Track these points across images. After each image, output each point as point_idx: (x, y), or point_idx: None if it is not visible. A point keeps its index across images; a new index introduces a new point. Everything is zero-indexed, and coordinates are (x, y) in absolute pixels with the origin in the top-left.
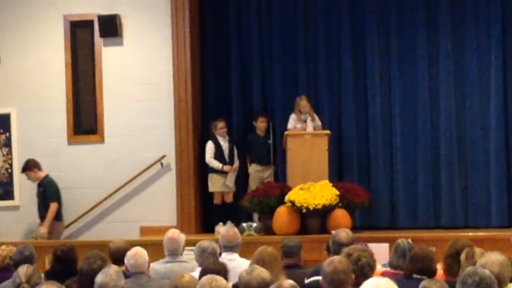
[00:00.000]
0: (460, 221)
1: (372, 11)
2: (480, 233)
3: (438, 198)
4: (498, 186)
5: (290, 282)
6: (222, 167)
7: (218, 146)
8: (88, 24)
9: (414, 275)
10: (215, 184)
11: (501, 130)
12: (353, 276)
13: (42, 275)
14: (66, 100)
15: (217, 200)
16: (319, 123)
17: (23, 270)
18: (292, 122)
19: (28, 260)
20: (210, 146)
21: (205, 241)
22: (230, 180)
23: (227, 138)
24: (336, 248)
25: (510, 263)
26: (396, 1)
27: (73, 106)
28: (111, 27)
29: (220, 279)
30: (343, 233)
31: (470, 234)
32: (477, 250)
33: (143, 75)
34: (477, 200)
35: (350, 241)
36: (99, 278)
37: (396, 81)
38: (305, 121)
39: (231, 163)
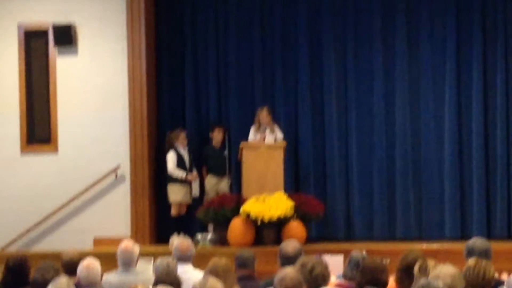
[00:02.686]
0: (414, 233)
1: (329, 23)
2: (434, 245)
3: (393, 210)
4: (452, 199)
5: None
6: (186, 177)
7: (179, 156)
8: (42, 33)
9: (365, 287)
10: (175, 194)
11: (454, 144)
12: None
13: None
14: (20, 109)
15: (174, 211)
16: (280, 135)
17: None
18: (252, 134)
19: None
20: (172, 156)
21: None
22: (196, 189)
23: (187, 148)
24: (284, 261)
25: (462, 275)
26: (353, 16)
27: (27, 115)
28: (66, 36)
29: None
30: (290, 246)
31: (424, 246)
32: (430, 262)
33: (98, 85)
34: (431, 213)
35: (297, 253)
36: None
37: (353, 94)
38: (264, 131)
39: (191, 173)
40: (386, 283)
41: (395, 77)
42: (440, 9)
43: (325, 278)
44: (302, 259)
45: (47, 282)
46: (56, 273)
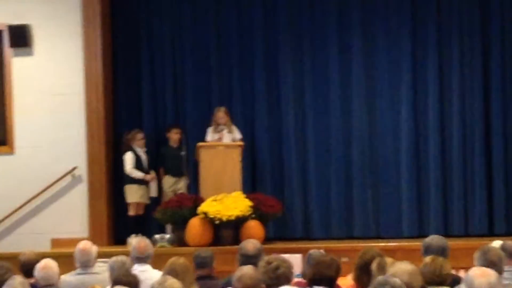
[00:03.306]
0: (372, 232)
1: (285, 24)
2: (392, 244)
3: (351, 209)
4: (409, 198)
5: None
6: (144, 177)
7: (137, 157)
8: None
9: (314, 286)
10: (133, 195)
11: (411, 143)
12: (263, 286)
13: None
14: None
15: (132, 212)
16: (238, 136)
17: None
18: (210, 134)
19: None
20: (130, 157)
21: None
22: (154, 190)
23: (144, 149)
24: (243, 259)
25: (419, 272)
26: (309, 16)
27: None
28: (21, 37)
29: None
30: (250, 245)
31: (382, 244)
32: (388, 259)
33: (54, 85)
34: (388, 212)
35: (257, 253)
36: None
37: (309, 93)
38: (221, 131)
39: (149, 173)
40: (333, 278)
41: (352, 76)
42: (396, 11)
43: (288, 278)
44: (267, 257)
45: (4, 283)
46: (11, 274)
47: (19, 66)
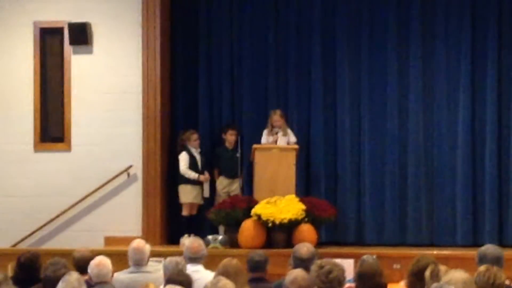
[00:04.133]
0: (425, 239)
1: (343, 27)
2: (445, 252)
3: (404, 216)
4: (464, 206)
5: None
6: (199, 177)
7: (192, 157)
8: (58, 31)
9: None
10: (187, 195)
11: (468, 150)
12: None
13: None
14: (34, 107)
15: (186, 212)
16: (293, 139)
17: None
18: (265, 136)
19: None
20: (184, 157)
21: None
22: (207, 190)
23: (199, 149)
24: (297, 263)
25: (473, 281)
26: (367, 18)
27: (40, 113)
28: (81, 35)
29: None
30: (304, 248)
31: (435, 252)
32: (442, 267)
33: (112, 84)
34: (442, 219)
35: (310, 256)
36: (60, 286)
37: (366, 98)
38: (276, 133)
39: (203, 174)
40: (384, 286)
41: (409, 82)
42: (455, 13)
43: (340, 283)
44: (319, 261)
45: (58, 279)
46: (67, 270)
47: (78, 64)
